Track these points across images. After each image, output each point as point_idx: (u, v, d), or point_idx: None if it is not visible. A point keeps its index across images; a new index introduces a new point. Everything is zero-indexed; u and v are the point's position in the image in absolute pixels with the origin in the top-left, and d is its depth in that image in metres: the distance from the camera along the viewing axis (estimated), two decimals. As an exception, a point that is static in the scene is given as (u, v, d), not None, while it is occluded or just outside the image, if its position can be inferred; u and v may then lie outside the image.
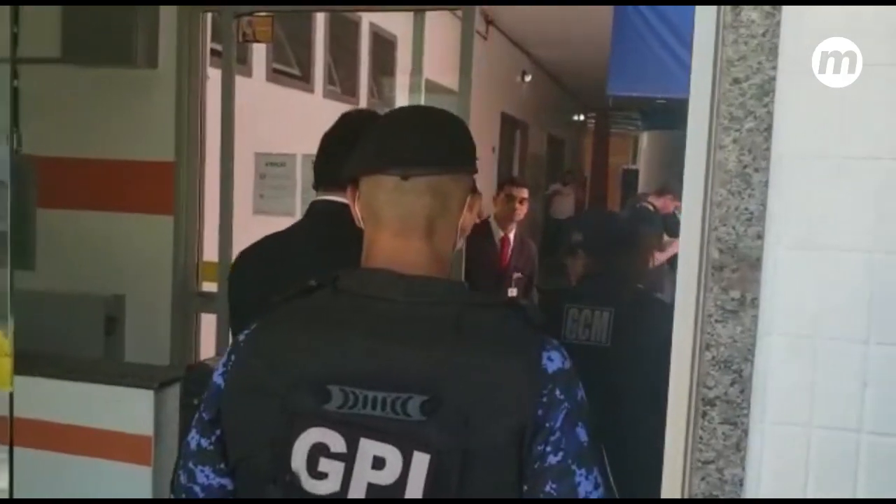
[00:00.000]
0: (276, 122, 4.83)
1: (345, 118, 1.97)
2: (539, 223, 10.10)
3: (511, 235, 4.64)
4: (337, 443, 1.06)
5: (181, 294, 3.66)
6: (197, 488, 1.18)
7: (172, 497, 1.25)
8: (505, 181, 5.14)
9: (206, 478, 1.18)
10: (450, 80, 3.63)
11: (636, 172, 12.52)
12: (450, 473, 1.04)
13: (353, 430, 1.06)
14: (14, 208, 3.65)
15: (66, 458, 2.75)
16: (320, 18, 6.04)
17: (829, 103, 1.10)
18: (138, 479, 2.71)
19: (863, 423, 1.11)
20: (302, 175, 3.56)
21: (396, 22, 6.82)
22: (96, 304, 3.63)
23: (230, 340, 1.39)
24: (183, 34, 3.57)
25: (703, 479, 1.14)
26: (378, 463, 1.05)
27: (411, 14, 3.72)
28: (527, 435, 1.05)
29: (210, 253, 3.69)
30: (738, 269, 1.12)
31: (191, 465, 1.19)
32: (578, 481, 1.06)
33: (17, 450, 2.43)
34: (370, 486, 1.05)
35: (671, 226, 4.70)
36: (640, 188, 10.12)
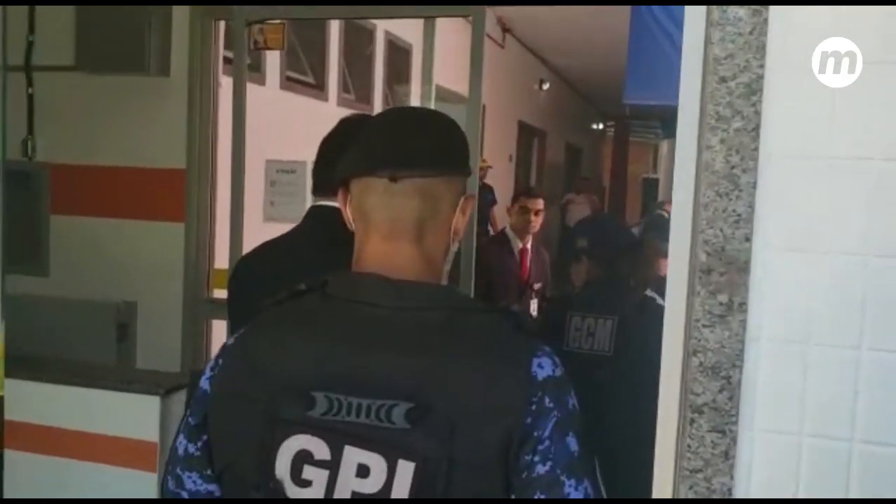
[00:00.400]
0: (290, 129, 4.85)
1: (343, 123, 1.97)
2: (556, 232, 10.07)
3: (529, 246, 4.60)
4: (321, 450, 1.05)
5: (192, 301, 3.68)
6: (185, 494, 1.17)
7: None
8: (520, 192, 5.10)
9: (194, 484, 1.17)
10: (466, 88, 3.63)
11: (656, 181, 12.46)
12: (435, 482, 1.02)
13: (337, 438, 1.05)
14: (27, 214, 3.71)
15: (71, 463, 2.77)
16: (335, 27, 6.07)
17: (818, 102, 1.08)
18: (144, 485, 2.72)
19: (855, 432, 1.08)
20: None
21: (412, 30, 6.84)
22: (108, 311, 3.67)
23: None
24: (195, 42, 3.60)
25: (690, 487, 1.12)
26: (362, 471, 1.04)
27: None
28: (514, 443, 1.03)
29: (221, 260, 3.72)
30: (725, 272, 1.10)
31: (178, 470, 1.18)
32: (567, 492, 1.03)
33: (21, 455, 2.45)
34: (354, 495, 1.04)
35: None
36: (661, 197, 10.06)
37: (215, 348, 3.83)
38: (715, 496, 1.10)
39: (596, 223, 4.90)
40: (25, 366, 2.80)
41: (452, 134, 1.23)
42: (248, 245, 3.50)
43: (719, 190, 1.10)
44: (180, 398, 2.79)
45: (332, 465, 1.05)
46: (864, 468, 1.08)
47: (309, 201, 3.79)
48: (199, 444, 1.16)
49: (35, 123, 3.77)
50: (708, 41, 1.11)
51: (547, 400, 1.05)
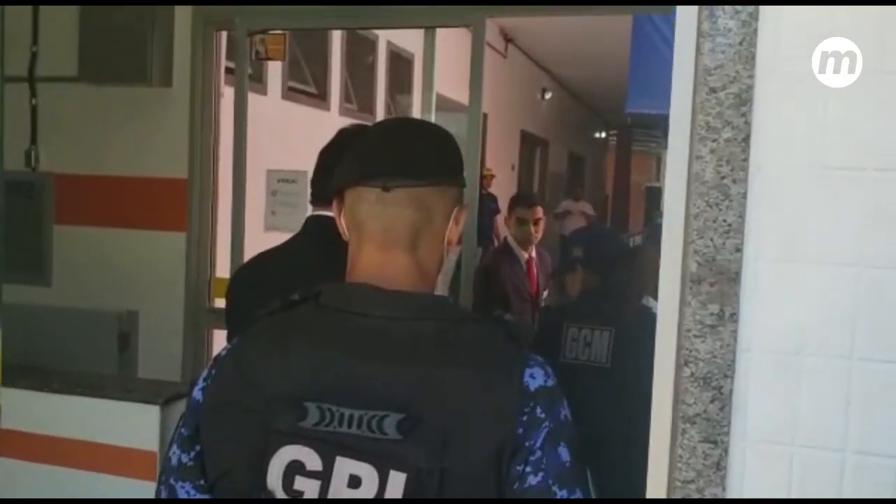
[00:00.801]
0: (292, 139, 4.87)
1: (341, 134, 1.97)
2: (552, 242, 10.06)
3: (534, 254, 4.53)
4: (313, 461, 1.05)
5: (193, 310, 3.69)
6: (177, 504, 1.17)
7: None
8: (515, 202, 4.65)
9: (187, 494, 1.16)
10: (468, 97, 3.63)
11: (659, 190, 12.44)
12: (427, 493, 1.02)
13: (328, 448, 1.04)
14: (30, 224, 3.72)
15: (71, 472, 2.76)
16: (337, 37, 6.09)
17: (808, 112, 1.08)
18: (143, 495, 2.71)
19: (847, 442, 1.07)
20: (313, 192, 3.57)
21: (414, 40, 6.87)
22: (110, 321, 3.68)
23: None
24: (197, 53, 3.62)
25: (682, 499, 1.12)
26: (354, 481, 1.04)
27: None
28: (506, 454, 1.03)
29: (222, 269, 3.72)
30: (716, 282, 1.10)
31: (171, 480, 1.18)
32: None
33: (21, 464, 2.45)
34: None
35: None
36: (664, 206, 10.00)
37: (216, 358, 3.85)
38: (707, 507, 1.10)
39: (591, 232, 4.88)
40: (26, 375, 2.80)
41: (446, 145, 1.23)
42: (249, 255, 3.50)
43: (710, 200, 1.10)
44: (180, 408, 2.77)
45: (324, 476, 1.04)
46: (856, 478, 1.08)
47: (310, 211, 3.80)
48: (192, 454, 1.16)
49: (38, 134, 3.79)
50: (698, 52, 1.11)
51: (539, 410, 1.05)
